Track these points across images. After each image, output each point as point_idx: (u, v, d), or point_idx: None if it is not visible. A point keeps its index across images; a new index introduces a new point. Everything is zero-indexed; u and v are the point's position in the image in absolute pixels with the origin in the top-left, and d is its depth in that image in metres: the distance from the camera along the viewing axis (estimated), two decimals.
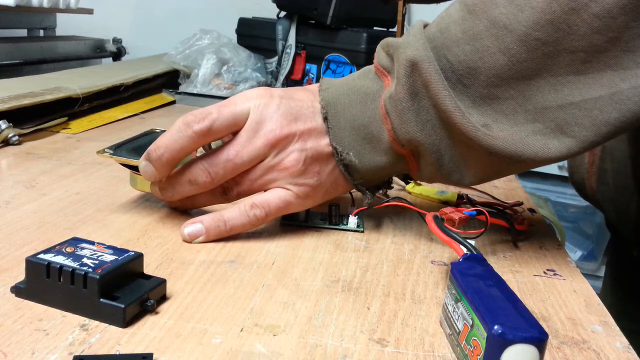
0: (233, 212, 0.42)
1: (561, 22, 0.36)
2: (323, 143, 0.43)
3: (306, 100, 0.43)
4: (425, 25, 0.42)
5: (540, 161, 0.39)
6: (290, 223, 0.46)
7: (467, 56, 0.39)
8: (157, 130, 0.51)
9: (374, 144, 0.42)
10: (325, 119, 0.43)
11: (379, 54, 0.43)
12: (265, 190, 0.43)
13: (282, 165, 0.42)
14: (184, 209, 0.46)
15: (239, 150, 0.41)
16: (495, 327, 0.26)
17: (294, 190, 0.43)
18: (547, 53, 0.37)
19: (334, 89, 0.43)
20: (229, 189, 0.43)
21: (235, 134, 0.42)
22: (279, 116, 0.42)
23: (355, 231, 0.46)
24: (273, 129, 0.41)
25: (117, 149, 0.45)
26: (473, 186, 0.54)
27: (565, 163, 1.19)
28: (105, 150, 0.44)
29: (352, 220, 0.46)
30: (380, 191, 0.49)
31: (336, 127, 0.42)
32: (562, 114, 0.38)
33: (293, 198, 0.43)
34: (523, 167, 0.41)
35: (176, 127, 0.41)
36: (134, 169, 0.43)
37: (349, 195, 0.50)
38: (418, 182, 0.57)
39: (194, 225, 0.41)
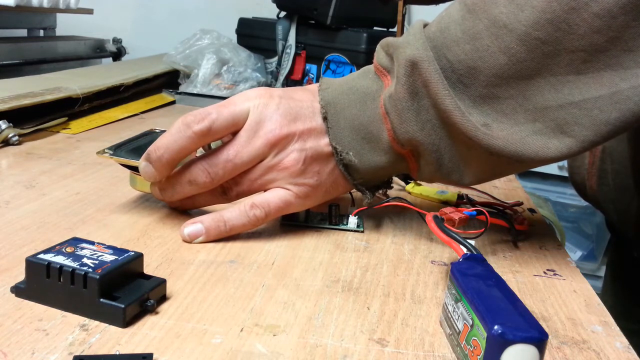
0: (233, 212, 0.42)
1: (561, 21, 0.36)
2: (323, 143, 0.43)
3: (306, 100, 0.43)
4: (425, 25, 0.42)
5: (540, 161, 0.39)
6: (290, 223, 0.46)
7: (467, 56, 0.39)
8: (157, 130, 0.51)
9: (374, 144, 0.42)
10: (325, 118, 0.43)
11: (379, 53, 0.43)
12: (265, 190, 0.43)
13: (281, 165, 0.42)
14: (184, 209, 0.46)
15: (239, 150, 0.41)
16: (495, 327, 0.26)
17: (293, 190, 0.43)
18: (547, 52, 0.37)
19: (334, 89, 0.43)
20: (228, 189, 0.43)
21: (235, 134, 0.42)
22: (278, 116, 0.42)
23: (355, 231, 0.46)
24: (273, 129, 0.41)
25: (117, 149, 0.45)
26: (473, 186, 0.54)
27: (565, 163, 1.19)
28: (105, 150, 0.44)
29: (352, 220, 0.46)
30: (380, 191, 0.49)
31: (336, 126, 0.42)
32: (562, 114, 0.38)
33: (293, 198, 0.43)
34: (523, 166, 0.41)
35: (176, 127, 0.41)
36: (134, 169, 0.43)
37: (349, 195, 0.50)
38: (418, 182, 0.57)
39: (194, 226, 0.41)
